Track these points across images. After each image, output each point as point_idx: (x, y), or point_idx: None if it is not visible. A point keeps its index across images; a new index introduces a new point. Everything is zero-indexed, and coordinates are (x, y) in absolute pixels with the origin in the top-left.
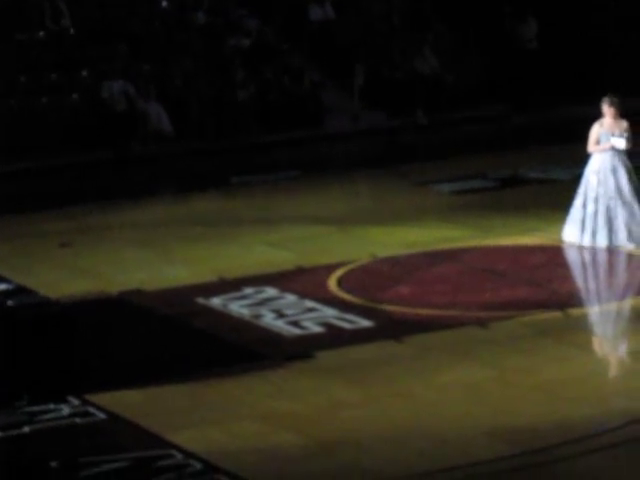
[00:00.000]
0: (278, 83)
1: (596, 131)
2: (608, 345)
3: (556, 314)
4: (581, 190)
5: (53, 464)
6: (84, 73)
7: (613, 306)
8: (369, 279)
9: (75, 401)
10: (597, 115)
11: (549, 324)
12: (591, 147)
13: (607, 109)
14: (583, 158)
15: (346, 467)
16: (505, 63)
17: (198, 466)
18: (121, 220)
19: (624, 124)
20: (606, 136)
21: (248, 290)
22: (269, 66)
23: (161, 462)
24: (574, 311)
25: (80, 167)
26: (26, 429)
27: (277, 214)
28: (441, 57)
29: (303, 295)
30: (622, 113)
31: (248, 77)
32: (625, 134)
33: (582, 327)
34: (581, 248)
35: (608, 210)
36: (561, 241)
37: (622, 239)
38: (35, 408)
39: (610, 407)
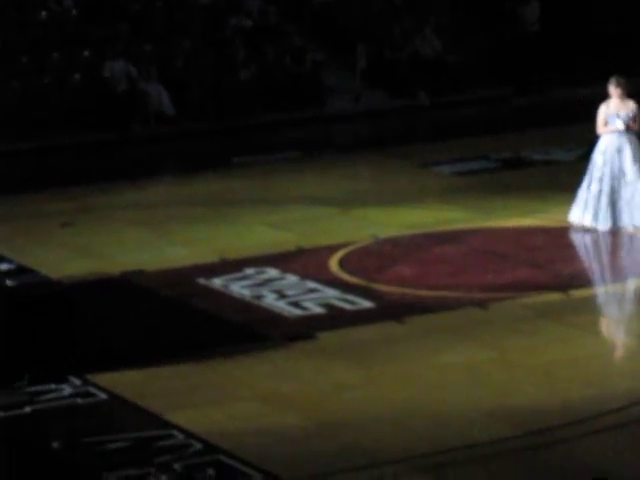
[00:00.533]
0: (280, 63)
1: (603, 112)
2: (610, 326)
3: (557, 295)
4: (589, 171)
5: (54, 444)
6: (86, 53)
7: (614, 287)
8: (370, 260)
9: (76, 381)
10: (602, 97)
11: (550, 305)
12: (600, 129)
13: (613, 90)
14: (585, 139)
15: (347, 448)
16: (507, 45)
17: (199, 446)
18: (122, 201)
19: (631, 104)
20: (613, 117)
21: (249, 271)
22: (271, 46)
23: (162, 442)
24: (575, 292)
25: (82, 147)
26: (27, 409)
27: (278, 195)
28: (443, 38)
29: (304, 276)
30: (629, 93)
31: (250, 57)
32: (631, 114)
33: (583, 308)
34: (583, 229)
35: (612, 191)
36: (563, 222)
37: (624, 220)
38: (36, 388)
39: (613, 388)
